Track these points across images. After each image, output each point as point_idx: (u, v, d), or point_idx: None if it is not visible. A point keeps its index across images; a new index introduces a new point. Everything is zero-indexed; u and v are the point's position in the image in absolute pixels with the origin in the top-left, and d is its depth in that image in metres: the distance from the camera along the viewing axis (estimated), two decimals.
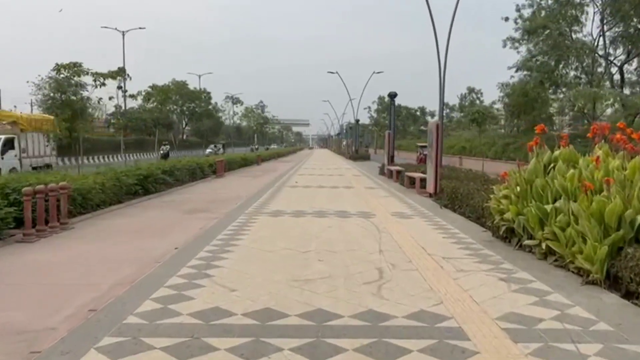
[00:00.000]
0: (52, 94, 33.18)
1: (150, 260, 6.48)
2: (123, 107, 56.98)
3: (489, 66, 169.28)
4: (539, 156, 7.33)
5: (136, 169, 14.39)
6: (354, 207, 11.61)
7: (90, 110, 43.87)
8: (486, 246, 7.24)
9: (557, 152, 7.41)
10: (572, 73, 26.27)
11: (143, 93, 31.51)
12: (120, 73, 19.04)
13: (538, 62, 25.87)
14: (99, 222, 9.80)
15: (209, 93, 72.91)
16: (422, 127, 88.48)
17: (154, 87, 37.02)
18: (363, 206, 11.81)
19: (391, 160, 22.44)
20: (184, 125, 75.53)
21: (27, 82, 36.07)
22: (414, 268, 5.96)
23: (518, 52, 27.70)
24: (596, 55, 24.97)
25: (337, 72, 53.52)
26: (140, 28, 53.69)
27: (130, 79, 19.51)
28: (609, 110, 26.63)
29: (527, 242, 6.58)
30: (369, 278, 5.51)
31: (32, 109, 44.90)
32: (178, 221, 9.99)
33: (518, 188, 7.02)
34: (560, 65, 25.89)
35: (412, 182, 16.92)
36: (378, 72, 53.50)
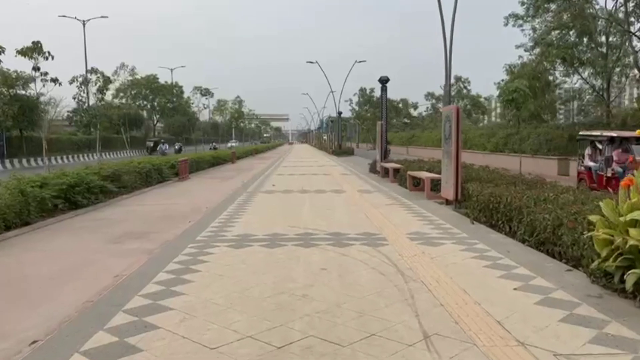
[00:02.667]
0: None
1: None
2: (86, 103, 52.61)
3: (474, 55, 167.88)
4: None
5: (58, 176, 10.85)
6: (352, 224, 8.32)
7: (43, 106, 39.79)
8: (605, 312, 4.06)
9: None
10: (597, 49, 23.20)
11: (79, 79, 27.16)
12: (36, 49, 15.36)
13: (558, 37, 22.78)
14: None
15: (180, 87, 68.44)
16: (405, 120, 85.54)
17: (93, 70, 31.46)
18: (364, 222, 8.53)
19: (385, 155, 19.17)
20: (155, 122, 71.02)
21: None
22: None
23: (522, 30, 24.79)
24: (621, 28, 21.97)
25: (316, 62, 50.07)
26: (102, 17, 49.07)
27: (53, 58, 15.77)
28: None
29: None
30: None
31: None
32: (89, 260, 6.57)
33: None
34: (585, 39, 22.80)
35: (416, 183, 13.75)
36: (360, 61, 50.17)
